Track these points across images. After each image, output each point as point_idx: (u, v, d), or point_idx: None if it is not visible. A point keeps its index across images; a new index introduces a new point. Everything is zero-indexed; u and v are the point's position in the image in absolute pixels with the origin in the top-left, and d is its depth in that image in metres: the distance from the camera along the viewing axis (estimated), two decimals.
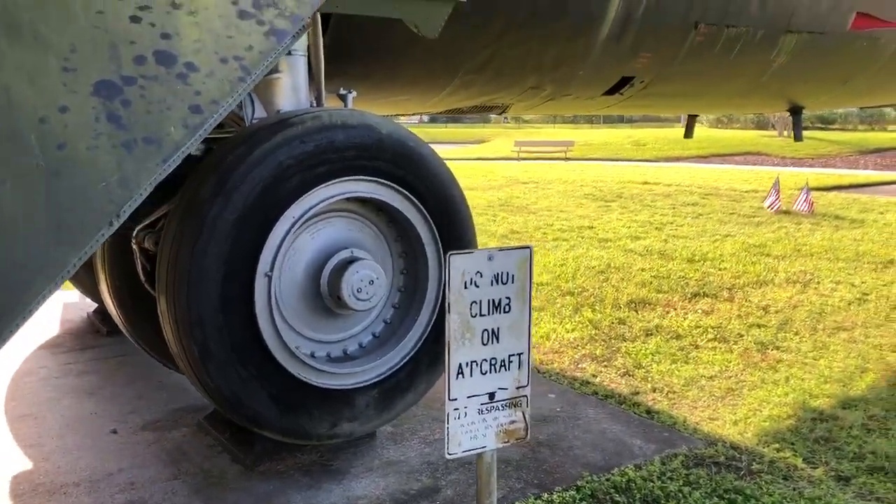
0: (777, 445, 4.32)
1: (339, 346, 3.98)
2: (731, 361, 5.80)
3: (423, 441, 4.24)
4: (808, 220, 12.87)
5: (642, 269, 8.89)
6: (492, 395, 2.99)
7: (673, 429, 4.51)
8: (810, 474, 3.97)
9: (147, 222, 3.96)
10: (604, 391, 5.14)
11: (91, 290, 6.01)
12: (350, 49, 4.47)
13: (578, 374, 5.51)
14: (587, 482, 3.75)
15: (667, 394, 5.15)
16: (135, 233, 4.01)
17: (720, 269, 8.97)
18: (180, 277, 3.34)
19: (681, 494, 3.64)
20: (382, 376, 3.91)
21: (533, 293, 7.98)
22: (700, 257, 9.64)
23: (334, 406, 3.77)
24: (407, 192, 3.84)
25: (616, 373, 5.55)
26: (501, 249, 2.95)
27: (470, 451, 2.96)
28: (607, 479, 3.78)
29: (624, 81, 5.94)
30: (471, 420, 2.94)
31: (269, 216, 3.43)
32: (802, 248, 10.32)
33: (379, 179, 3.75)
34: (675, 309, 7.26)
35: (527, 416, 3.08)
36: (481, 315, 2.93)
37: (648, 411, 4.80)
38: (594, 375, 5.49)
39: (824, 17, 6.23)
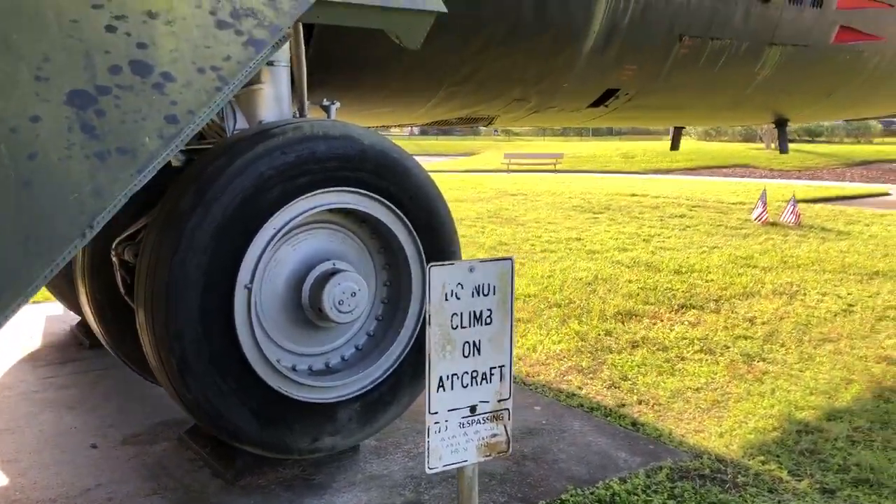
0: (762, 458, 4.30)
1: (321, 358, 3.94)
2: (717, 373, 5.78)
3: (407, 455, 4.19)
4: (794, 232, 12.93)
5: (629, 281, 8.88)
6: (473, 409, 2.96)
7: (658, 441, 4.49)
8: (795, 487, 3.95)
9: (127, 234, 3.93)
10: (590, 403, 5.11)
11: (74, 303, 5.94)
12: (334, 60, 4.46)
13: (564, 386, 5.49)
14: (571, 496, 3.72)
15: (653, 406, 5.12)
16: (114, 245, 3.97)
17: (707, 281, 8.98)
18: (159, 290, 3.30)
19: None
20: (365, 389, 3.87)
21: (520, 305, 7.93)
22: (687, 269, 9.65)
23: (316, 420, 3.73)
24: (390, 204, 3.82)
25: (602, 385, 5.53)
26: (483, 261, 2.93)
27: (451, 465, 2.93)
28: (591, 493, 3.75)
29: (609, 94, 5.95)
30: (452, 434, 2.91)
31: (250, 227, 3.40)
32: (789, 260, 10.35)
33: (362, 191, 3.72)
34: (662, 320, 7.26)
35: (508, 429, 3.05)
36: (462, 327, 2.90)
37: (634, 423, 4.78)
38: (580, 387, 5.46)
39: (808, 30, 6.28)
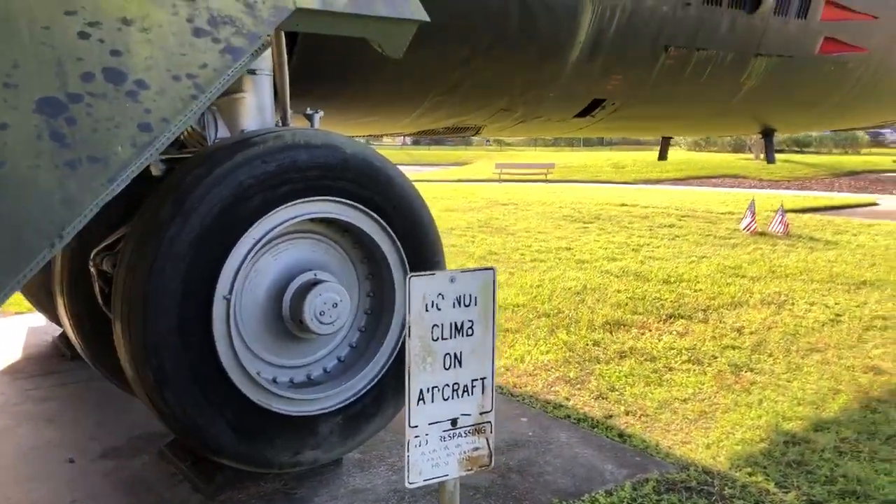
0: (749, 469, 4.26)
1: (302, 370, 3.88)
2: (704, 384, 5.75)
3: (391, 468, 4.13)
4: (783, 242, 12.95)
5: (618, 291, 8.86)
6: (454, 422, 2.91)
7: (645, 453, 4.44)
8: (782, 499, 3.91)
9: (105, 244, 3.87)
10: (577, 414, 5.07)
11: (54, 314, 5.86)
12: (318, 69, 4.43)
13: (552, 397, 5.44)
14: None
15: (640, 417, 5.08)
16: (93, 255, 3.91)
17: (695, 291, 8.96)
18: (136, 301, 3.24)
19: None
20: (347, 402, 3.81)
21: (509, 315, 7.88)
22: (676, 279, 9.63)
23: (297, 433, 3.67)
24: (373, 213, 3.78)
25: (589, 395, 5.48)
26: (464, 271, 2.89)
27: (432, 479, 2.88)
28: None
29: (595, 104, 5.94)
30: (432, 448, 2.86)
31: (229, 237, 3.35)
32: (777, 270, 10.35)
33: (344, 200, 3.68)
34: (650, 330, 7.23)
35: (490, 442, 3.01)
36: (443, 339, 2.86)
37: (621, 435, 4.73)
38: (567, 398, 5.42)
39: (793, 41, 6.29)
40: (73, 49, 2.46)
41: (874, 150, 46.43)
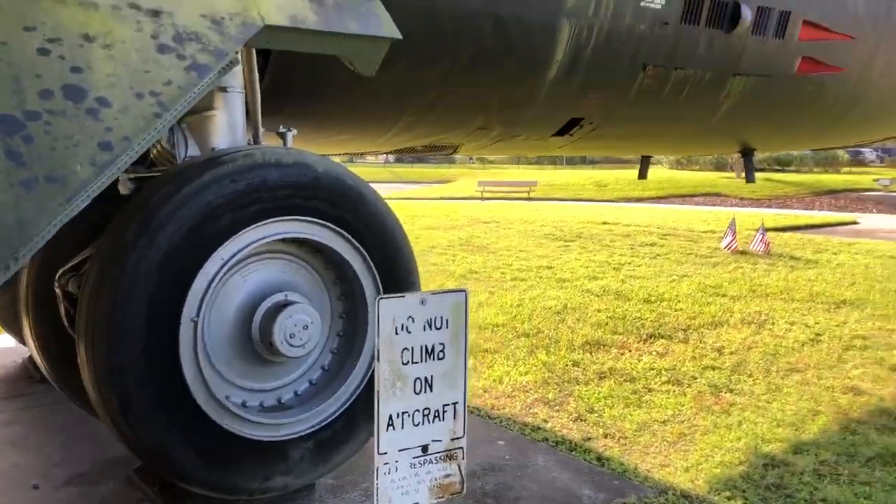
0: (728, 493, 4.21)
1: (273, 394, 3.79)
2: (684, 405, 5.71)
3: (365, 494, 4.05)
4: (763, 261, 12.99)
5: (598, 310, 8.82)
6: (425, 448, 2.84)
7: (623, 476, 4.38)
8: None
9: (71, 265, 3.78)
10: (555, 437, 5.00)
11: (21, 335, 5.73)
12: (291, 87, 4.37)
13: (530, 419, 5.37)
14: None
15: (618, 439, 5.02)
16: (58, 276, 3.82)
17: (676, 310, 8.95)
18: (100, 323, 3.15)
19: None
20: (318, 426, 3.72)
21: (488, 335, 7.81)
22: (656, 298, 9.62)
23: (267, 459, 3.57)
24: (345, 233, 3.71)
25: (568, 417, 5.42)
26: (435, 293, 2.83)
27: None
28: None
29: (573, 122, 5.92)
30: (402, 475, 2.78)
31: (196, 258, 3.27)
32: (758, 289, 10.37)
33: (315, 219, 3.61)
34: (630, 350, 7.19)
35: (462, 469, 2.93)
36: (413, 363, 2.79)
37: (599, 458, 4.67)
38: (546, 420, 5.35)
39: (771, 60, 6.32)
40: (32, 65, 2.39)
41: (854, 168, 47.03)
